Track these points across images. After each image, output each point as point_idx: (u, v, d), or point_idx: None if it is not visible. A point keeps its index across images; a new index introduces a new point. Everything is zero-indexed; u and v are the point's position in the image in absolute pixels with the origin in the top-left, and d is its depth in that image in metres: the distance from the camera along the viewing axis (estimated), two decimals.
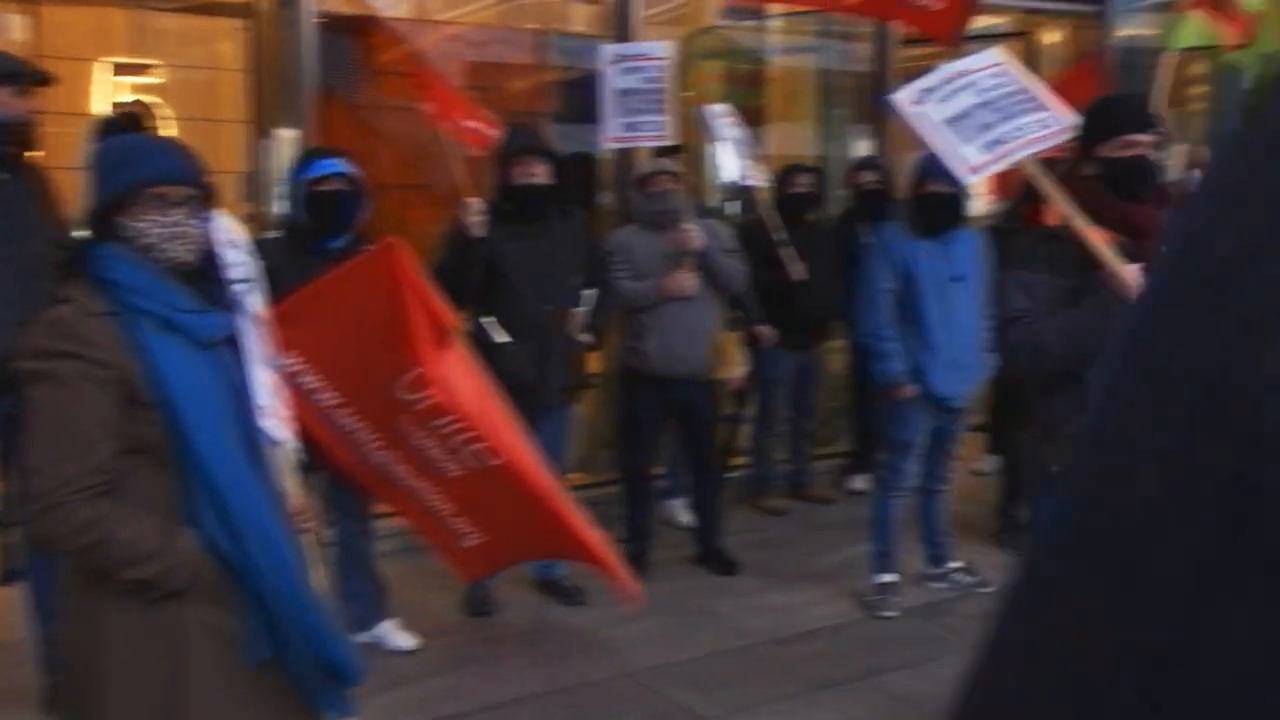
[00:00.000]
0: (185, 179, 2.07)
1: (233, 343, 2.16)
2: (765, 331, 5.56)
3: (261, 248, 3.81)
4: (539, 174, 4.32)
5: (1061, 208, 2.74)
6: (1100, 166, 2.73)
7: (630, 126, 5.35)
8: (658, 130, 5.36)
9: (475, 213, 4.19)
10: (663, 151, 5.51)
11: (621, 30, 5.99)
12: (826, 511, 6.02)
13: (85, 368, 1.91)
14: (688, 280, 4.76)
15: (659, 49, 5.36)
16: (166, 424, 1.96)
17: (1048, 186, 2.81)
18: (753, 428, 5.95)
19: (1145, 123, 2.71)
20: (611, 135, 5.39)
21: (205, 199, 2.11)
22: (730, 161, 5.54)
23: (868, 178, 5.96)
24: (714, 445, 5.11)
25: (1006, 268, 2.79)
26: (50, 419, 1.91)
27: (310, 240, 3.80)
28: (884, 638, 4.29)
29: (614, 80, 5.35)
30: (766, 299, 5.44)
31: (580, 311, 4.40)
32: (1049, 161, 3.10)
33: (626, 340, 4.88)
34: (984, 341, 4.57)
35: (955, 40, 5.58)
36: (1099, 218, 2.72)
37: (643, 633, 4.34)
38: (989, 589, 4.75)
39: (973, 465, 6.72)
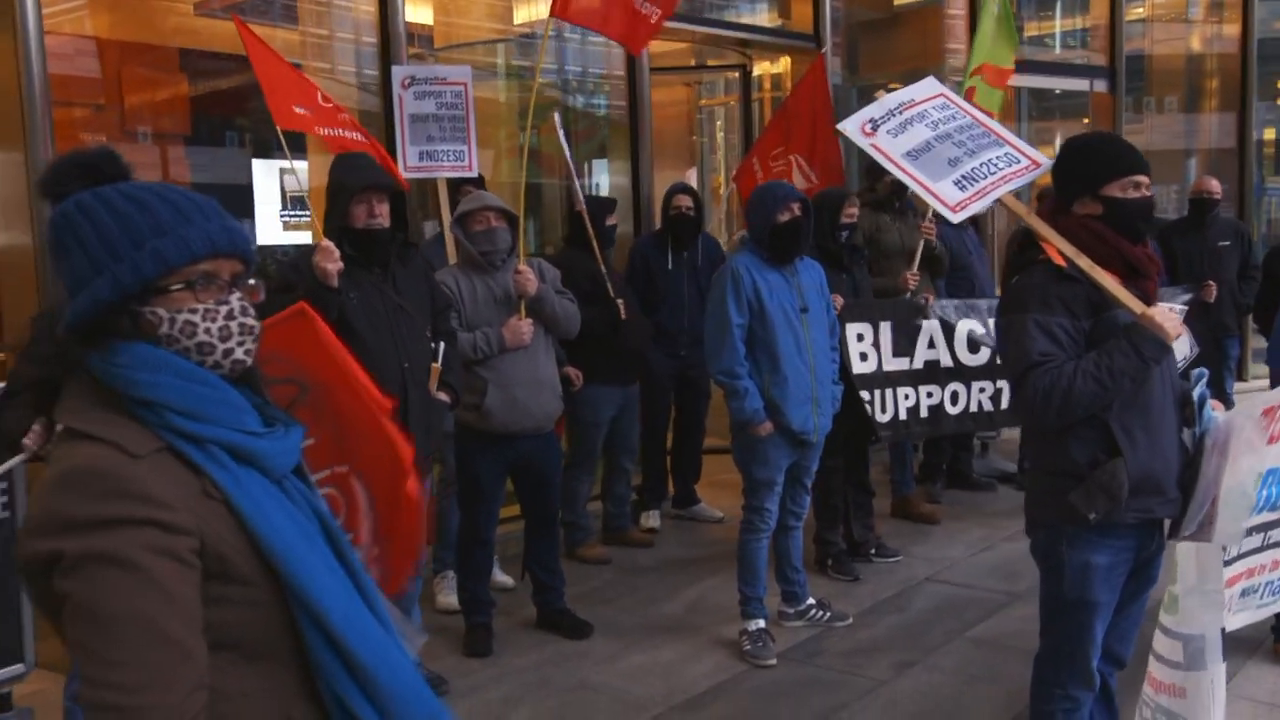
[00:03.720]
0: (237, 249, 1.47)
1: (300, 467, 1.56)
2: (573, 373, 5.26)
3: (59, 313, 3.05)
4: (383, 215, 3.75)
5: (1063, 247, 2.69)
6: (1106, 205, 2.70)
7: (427, 155, 4.89)
8: (458, 160, 4.94)
9: (333, 259, 3.55)
10: (462, 183, 5.07)
11: None
12: (637, 554, 5.79)
13: (156, 537, 1.28)
14: (527, 327, 4.36)
15: (457, 72, 4.95)
16: (265, 601, 1.37)
17: (1041, 225, 2.76)
18: (571, 475, 5.61)
19: (1146, 163, 2.72)
20: (407, 165, 4.90)
21: (250, 274, 1.51)
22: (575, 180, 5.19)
23: (685, 203, 5.83)
24: (556, 501, 4.71)
25: (1018, 309, 2.69)
26: (117, 623, 1.25)
27: None
28: (778, 689, 4.11)
29: (407, 105, 4.86)
30: (591, 337, 5.15)
31: (436, 367, 3.87)
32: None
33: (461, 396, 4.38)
34: (834, 373, 4.58)
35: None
36: (1097, 258, 2.69)
37: (533, 718, 3.89)
38: (846, 622, 4.72)
39: None
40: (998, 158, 2.93)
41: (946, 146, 2.96)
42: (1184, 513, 2.76)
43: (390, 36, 5.44)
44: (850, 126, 3.05)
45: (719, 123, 9.94)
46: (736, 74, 8.54)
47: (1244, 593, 3.94)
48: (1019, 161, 2.93)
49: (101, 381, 1.38)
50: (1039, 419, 2.66)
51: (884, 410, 5.24)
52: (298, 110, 4.28)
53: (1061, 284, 2.68)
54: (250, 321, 1.45)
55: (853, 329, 5.15)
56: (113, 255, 1.37)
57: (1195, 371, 2.84)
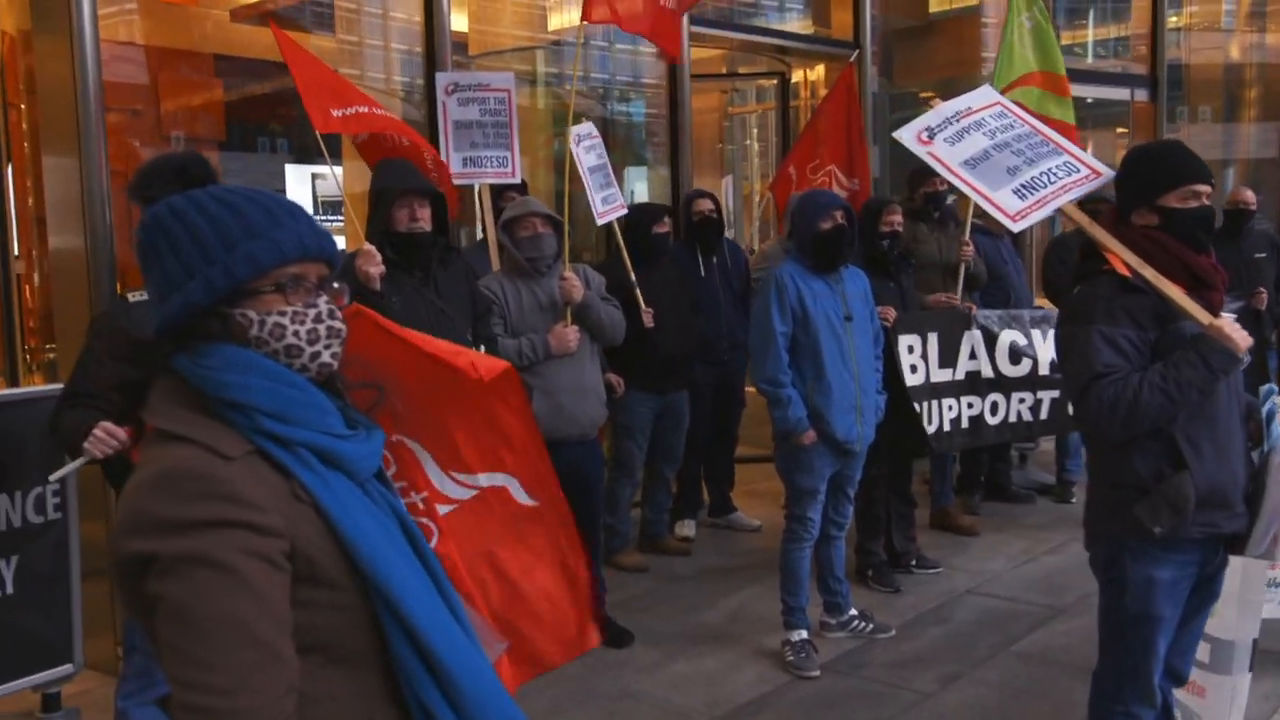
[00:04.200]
0: (324, 252, 1.47)
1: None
2: (615, 379, 5.24)
3: (115, 317, 3.06)
4: (424, 218, 3.77)
5: (1127, 258, 2.66)
6: (1163, 216, 2.67)
7: (471, 161, 4.90)
8: (501, 166, 4.95)
9: (375, 262, 3.57)
10: (504, 189, 5.09)
11: None
12: (675, 562, 5.77)
13: (248, 539, 1.28)
14: (574, 335, 4.36)
15: (500, 79, 4.96)
16: (351, 605, 1.37)
17: (1104, 235, 2.73)
18: (612, 479, 5.59)
19: (1207, 172, 2.69)
20: (451, 171, 4.91)
21: (334, 277, 1.51)
22: (592, 193, 5.14)
23: (706, 207, 5.82)
24: (599, 509, 4.70)
25: (1082, 320, 2.66)
26: (210, 626, 1.24)
27: None
28: (823, 700, 4.09)
29: (451, 111, 4.88)
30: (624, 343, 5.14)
31: None
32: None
33: None
34: (878, 381, 4.55)
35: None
36: (1161, 268, 2.66)
37: None
38: (889, 634, 4.69)
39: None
40: (1057, 167, 2.91)
41: (1005, 155, 2.94)
42: (1250, 529, 2.72)
43: (435, 44, 5.45)
44: (906, 135, 3.04)
45: (754, 130, 9.92)
46: (774, 81, 8.53)
47: (1271, 584, 3.91)
48: (1078, 170, 2.91)
49: (190, 383, 1.38)
50: (1103, 431, 2.63)
51: (930, 421, 5.23)
52: (335, 114, 4.23)
53: (1126, 295, 2.65)
54: (338, 325, 1.45)
55: (904, 341, 5.15)
56: (205, 258, 1.37)
57: (1265, 388, 2.80)
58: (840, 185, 6.60)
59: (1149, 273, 2.64)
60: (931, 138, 3.00)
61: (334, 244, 1.47)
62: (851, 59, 7.12)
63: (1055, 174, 2.88)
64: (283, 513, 1.33)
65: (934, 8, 10.81)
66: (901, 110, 9.96)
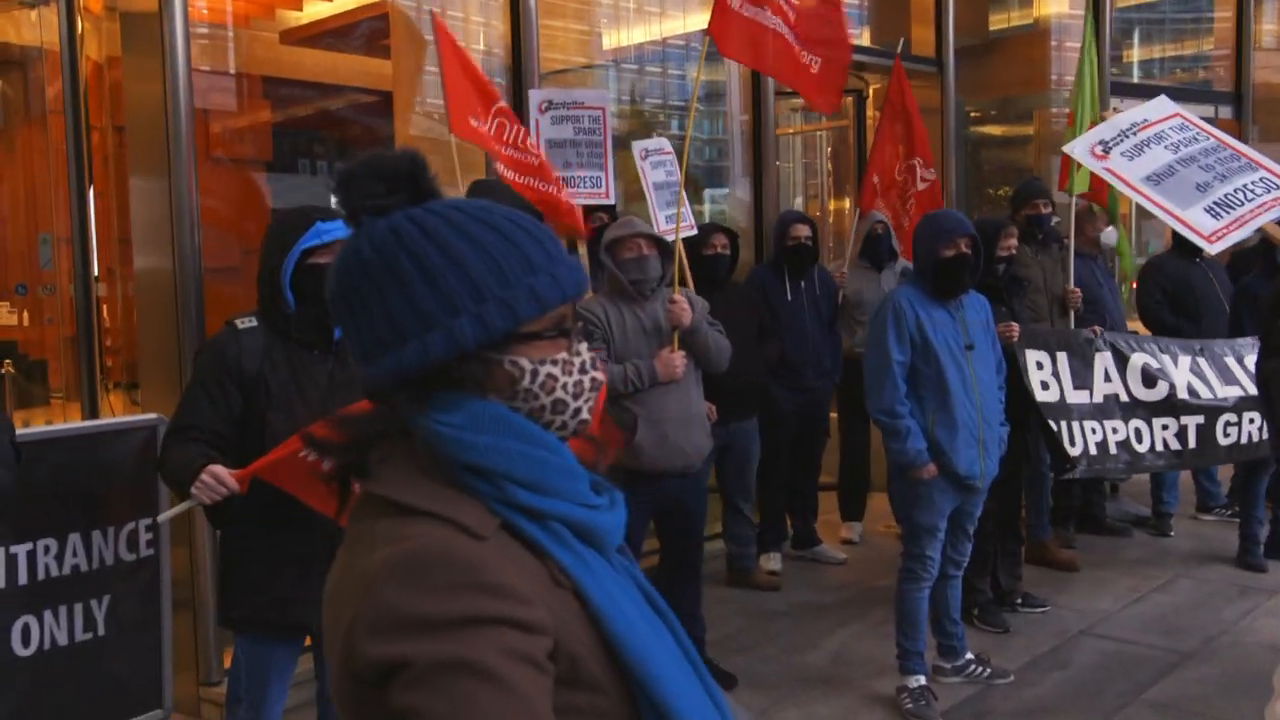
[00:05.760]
0: (581, 291, 1.23)
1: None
2: (709, 407, 4.97)
3: (225, 345, 2.87)
4: None
5: None
6: None
7: (564, 181, 4.71)
8: (595, 186, 4.75)
9: None
10: (594, 210, 4.89)
11: None
12: (766, 598, 5.52)
13: (513, 638, 1.04)
14: (680, 360, 4.13)
15: (594, 96, 4.77)
16: (612, 710, 1.14)
17: None
18: None
19: None
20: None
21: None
22: (655, 210, 4.93)
23: (803, 233, 5.60)
24: (701, 547, 4.47)
25: None
26: None
27: (304, 331, 2.87)
28: None
29: (545, 130, 4.69)
30: None
31: None
32: None
33: None
34: (1001, 413, 4.29)
35: (834, 107, 5.23)
36: None
37: None
38: (1008, 679, 4.41)
39: (842, 534, 6.48)
40: (1253, 183, 2.66)
41: (1192, 170, 2.70)
42: None
43: (523, 62, 5.27)
44: (1079, 148, 2.82)
45: (797, 151, 9.76)
46: (850, 99, 8.31)
47: None
48: (1279, 187, 2.66)
49: (423, 444, 1.16)
50: None
51: (1073, 444, 4.98)
52: (473, 124, 4.10)
53: None
54: (599, 376, 1.23)
55: (1032, 356, 4.92)
56: (474, 293, 1.13)
57: None
58: (924, 180, 6.40)
59: None
60: (1107, 152, 2.77)
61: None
62: (897, 49, 6.77)
63: (1252, 191, 2.63)
64: (546, 603, 1.09)
65: (994, 26, 10.59)
66: (963, 127, 9.74)
